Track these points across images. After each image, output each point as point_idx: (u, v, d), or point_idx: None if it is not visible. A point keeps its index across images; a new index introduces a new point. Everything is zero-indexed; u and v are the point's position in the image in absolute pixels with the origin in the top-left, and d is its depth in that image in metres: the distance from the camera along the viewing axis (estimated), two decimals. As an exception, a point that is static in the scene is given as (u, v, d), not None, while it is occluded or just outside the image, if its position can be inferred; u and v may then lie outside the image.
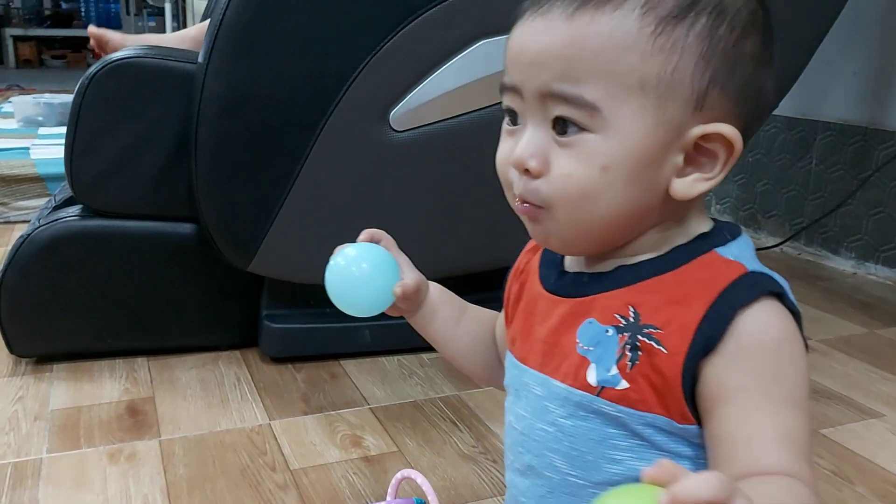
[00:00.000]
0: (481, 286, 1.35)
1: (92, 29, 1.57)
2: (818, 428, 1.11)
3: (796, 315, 0.50)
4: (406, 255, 0.71)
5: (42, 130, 2.73)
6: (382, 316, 1.39)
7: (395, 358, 1.31)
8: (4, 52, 5.91)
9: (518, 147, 0.52)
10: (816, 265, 1.91)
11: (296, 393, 1.20)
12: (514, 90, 0.52)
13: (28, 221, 1.51)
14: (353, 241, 0.70)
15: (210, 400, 1.18)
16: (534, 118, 0.51)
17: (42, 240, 1.22)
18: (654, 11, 0.48)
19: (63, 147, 1.22)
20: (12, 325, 1.25)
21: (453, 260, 1.28)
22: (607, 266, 0.54)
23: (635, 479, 0.38)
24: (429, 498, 0.77)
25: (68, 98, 2.85)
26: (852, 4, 1.39)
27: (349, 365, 1.29)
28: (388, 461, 1.02)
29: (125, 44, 1.55)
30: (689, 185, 0.51)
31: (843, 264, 1.89)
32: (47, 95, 3.00)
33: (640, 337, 0.50)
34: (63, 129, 1.25)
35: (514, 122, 0.54)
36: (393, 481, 0.82)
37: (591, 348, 0.52)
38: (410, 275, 0.67)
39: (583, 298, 0.54)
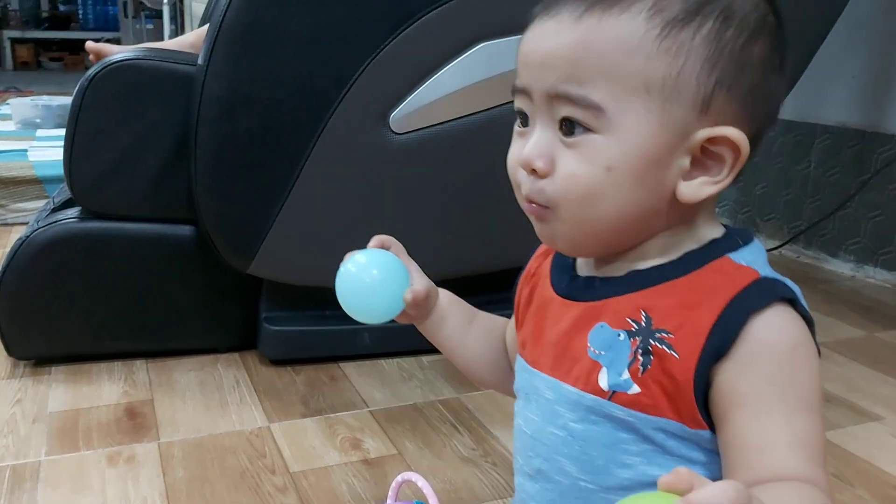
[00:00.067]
0: (483, 288, 1.35)
1: (90, 44, 1.57)
2: (818, 431, 1.11)
3: (808, 321, 0.50)
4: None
5: (40, 132, 2.73)
6: (382, 318, 1.38)
7: (395, 360, 1.31)
8: (2, 55, 5.91)
9: (526, 148, 0.52)
10: (815, 268, 1.91)
11: (295, 395, 1.20)
12: (524, 92, 0.53)
13: (26, 223, 1.51)
14: (353, 242, 0.70)
15: (209, 402, 1.17)
16: (542, 119, 0.52)
17: (40, 242, 1.22)
18: (661, 15, 0.48)
19: (61, 149, 1.21)
20: (11, 328, 1.24)
21: (454, 262, 1.28)
22: (619, 270, 0.54)
23: (646, 484, 0.38)
24: (429, 501, 0.77)
25: (66, 100, 2.85)
26: (851, 8, 1.40)
27: (348, 367, 1.29)
28: (387, 464, 1.02)
29: None
30: (695, 189, 0.51)
31: (841, 267, 1.89)
32: (45, 97, 3.00)
33: (651, 341, 0.50)
34: (61, 132, 1.24)
35: (524, 123, 0.54)
36: (393, 484, 0.81)
37: (602, 352, 0.52)
38: (420, 281, 0.67)
39: (594, 302, 0.54)
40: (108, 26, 6.02)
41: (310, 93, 1.13)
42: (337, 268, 1.28)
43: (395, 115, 1.16)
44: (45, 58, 6.08)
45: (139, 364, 1.29)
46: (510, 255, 1.33)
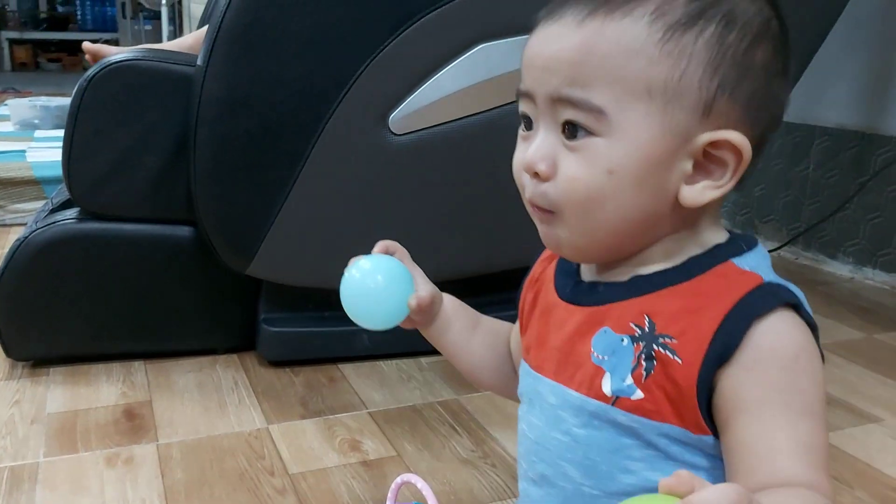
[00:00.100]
0: (483, 289, 1.35)
1: (87, 45, 1.57)
2: (817, 432, 1.11)
3: (812, 326, 0.50)
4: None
5: (38, 133, 2.72)
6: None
7: (394, 362, 1.31)
8: (0, 55, 5.90)
9: (529, 151, 0.52)
10: (814, 270, 1.91)
11: (294, 397, 1.20)
12: (528, 95, 0.53)
13: (24, 224, 1.51)
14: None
15: (208, 404, 1.17)
16: (545, 123, 0.52)
17: (39, 243, 1.21)
18: (664, 19, 0.49)
19: (59, 150, 1.21)
20: (9, 329, 1.24)
21: (453, 263, 1.28)
22: (623, 276, 0.54)
23: (649, 489, 0.38)
24: (429, 502, 0.77)
25: (64, 101, 2.85)
26: (849, 9, 1.40)
27: (347, 369, 1.29)
28: (386, 465, 1.01)
29: None
30: (698, 193, 0.50)
31: (840, 269, 1.89)
32: (43, 98, 3.00)
33: (655, 346, 0.50)
34: (59, 132, 1.24)
35: (528, 127, 0.54)
36: (393, 486, 0.81)
37: (605, 357, 0.52)
38: (425, 287, 0.67)
39: (598, 307, 0.54)
40: (107, 27, 6.02)
41: (309, 93, 1.13)
42: (336, 269, 1.28)
43: (395, 116, 1.16)
44: (44, 59, 6.08)
45: (137, 365, 1.28)
46: (510, 255, 1.33)
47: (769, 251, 1.90)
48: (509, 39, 1.17)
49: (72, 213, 1.25)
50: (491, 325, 0.72)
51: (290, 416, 1.14)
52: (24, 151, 2.37)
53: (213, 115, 1.13)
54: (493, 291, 1.35)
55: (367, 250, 1.25)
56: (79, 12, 6.22)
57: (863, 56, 1.86)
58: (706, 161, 0.50)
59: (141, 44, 4.58)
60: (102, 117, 1.19)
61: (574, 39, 0.50)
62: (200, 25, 2.00)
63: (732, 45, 0.49)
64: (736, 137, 0.49)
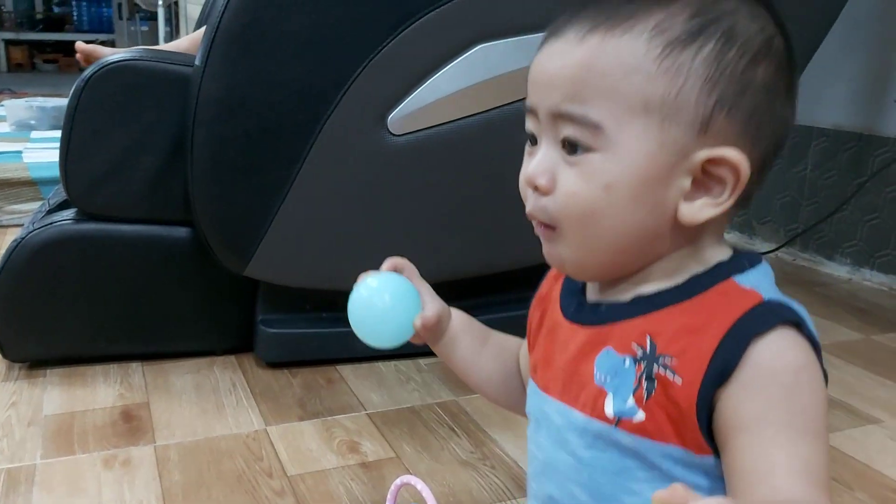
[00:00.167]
0: (482, 290, 1.35)
1: (80, 45, 1.56)
2: (817, 434, 1.11)
3: (815, 344, 0.49)
4: (404, 258, 0.71)
5: (35, 134, 2.72)
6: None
7: (392, 363, 1.31)
8: (-4, 56, 5.89)
9: (530, 165, 0.53)
10: (811, 271, 1.91)
11: (292, 398, 1.20)
12: (532, 112, 0.53)
13: (21, 225, 1.50)
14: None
15: (205, 405, 1.17)
16: (547, 138, 0.52)
17: (36, 244, 1.21)
18: (663, 35, 0.49)
19: (56, 151, 1.21)
20: (5, 330, 1.23)
21: (452, 264, 1.27)
22: (625, 295, 0.54)
23: None
24: (428, 504, 0.76)
25: (61, 102, 2.85)
26: (847, 11, 1.40)
27: (345, 370, 1.29)
28: (385, 467, 1.01)
29: None
30: (696, 210, 0.50)
31: (838, 270, 1.89)
32: (40, 99, 2.99)
33: (656, 367, 0.50)
34: (56, 133, 1.24)
35: (533, 143, 0.55)
36: (392, 487, 0.81)
37: (608, 379, 0.52)
38: (431, 305, 0.66)
39: (601, 327, 0.54)
40: (103, 28, 6.02)
41: (307, 94, 1.13)
42: (335, 269, 1.28)
43: (394, 116, 1.16)
44: (40, 59, 6.07)
45: (135, 367, 1.28)
46: (509, 256, 1.33)
47: (767, 252, 1.93)
48: (508, 40, 1.17)
49: (69, 213, 1.25)
50: (500, 341, 0.72)
51: (289, 418, 1.13)
52: (20, 152, 2.36)
53: (210, 116, 1.12)
54: (493, 292, 1.35)
55: (364, 251, 1.25)
56: (75, 13, 6.21)
57: (860, 57, 1.86)
58: (705, 178, 0.50)
59: (137, 45, 4.58)
60: (100, 118, 1.18)
61: (575, 56, 0.50)
62: (197, 26, 2.00)
63: (731, 63, 0.49)
64: (733, 154, 0.49)
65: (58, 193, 1.40)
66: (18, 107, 2.89)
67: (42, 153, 2.31)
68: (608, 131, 0.49)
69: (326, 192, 1.18)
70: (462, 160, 1.21)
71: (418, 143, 1.18)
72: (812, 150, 1.93)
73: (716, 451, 0.50)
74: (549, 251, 0.55)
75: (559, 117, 0.51)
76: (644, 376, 0.50)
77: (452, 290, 1.32)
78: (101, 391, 1.20)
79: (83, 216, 1.24)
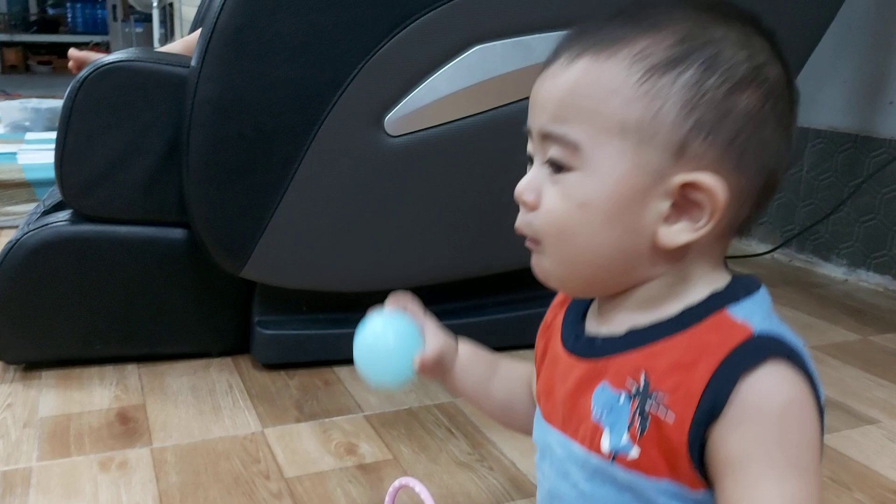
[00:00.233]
0: (480, 291, 1.34)
1: (73, 52, 1.56)
2: (815, 434, 1.11)
3: (810, 376, 0.49)
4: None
5: (29, 136, 2.71)
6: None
7: (389, 365, 1.30)
8: (-10, 58, 5.88)
9: (520, 183, 0.55)
10: (808, 272, 1.92)
11: (289, 400, 1.19)
12: (529, 133, 0.56)
13: (16, 227, 1.50)
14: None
15: (202, 407, 1.16)
16: (538, 157, 0.55)
17: (31, 245, 1.20)
18: (645, 61, 0.50)
19: (51, 152, 1.20)
20: (0, 332, 1.23)
21: (450, 265, 1.27)
22: (620, 328, 0.55)
23: None
24: (427, 506, 0.76)
25: (55, 103, 2.84)
26: (842, 13, 1.40)
27: (343, 371, 1.28)
28: (383, 469, 1.01)
29: None
30: (674, 234, 0.51)
31: (834, 271, 1.89)
32: (34, 101, 2.98)
33: (648, 404, 0.50)
34: (50, 135, 1.23)
35: (531, 162, 0.56)
36: (390, 489, 0.81)
37: (604, 414, 0.53)
38: (434, 342, 0.68)
39: (597, 361, 0.55)
40: (97, 30, 6.00)
41: (304, 96, 1.12)
42: (331, 271, 1.28)
43: (391, 117, 1.15)
44: (34, 61, 6.05)
45: (131, 368, 1.27)
46: (507, 257, 1.33)
47: (763, 254, 1.93)
48: (505, 41, 1.17)
49: (64, 215, 1.24)
50: (509, 369, 0.73)
51: (286, 420, 1.13)
52: (14, 154, 2.35)
53: (206, 117, 1.12)
54: (490, 294, 1.35)
55: (361, 253, 1.25)
56: (69, 15, 6.19)
57: (856, 59, 1.86)
58: (685, 203, 0.51)
59: (132, 47, 4.56)
60: (95, 119, 1.18)
61: (563, 78, 0.52)
62: (193, 28, 1.99)
63: (711, 89, 0.49)
64: (708, 180, 0.49)
65: (53, 195, 1.40)
66: (13, 108, 2.88)
67: (37, 155, 2.30)
68: (585, 151, 0.51)
69: (323, 194, 1.17)
70: (459, 161, 1.21)
71: (415, 144, 1.17)
72: (808, 152, 1.94)
73: (710, 486, 0.50)
74: (535, 264, 0.56)
75: (546, 137, 0.53)
76: (638, 413, 0.51)
77: (449, 292, 1.32)
78: (96, 393, 1.19)
79: (78, 217, 1.23)
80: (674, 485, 0.50)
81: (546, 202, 0.53)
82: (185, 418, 1.13)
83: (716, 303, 0.52)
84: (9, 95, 4.11)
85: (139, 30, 5.53)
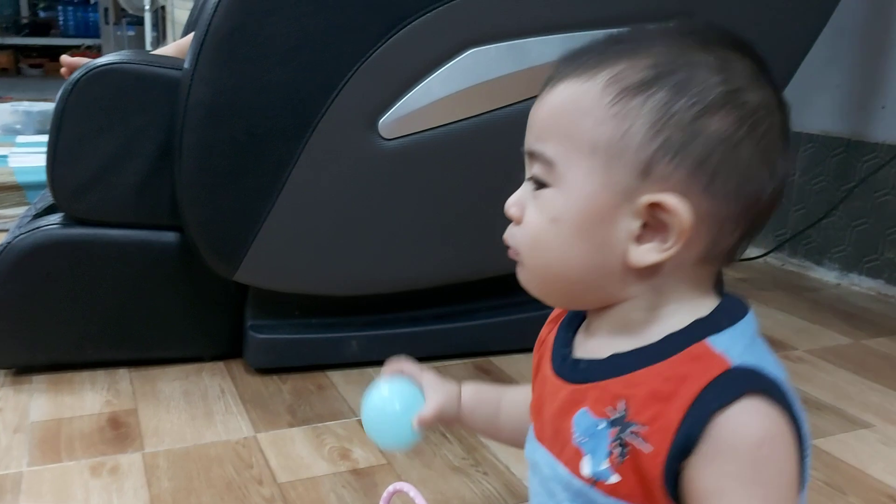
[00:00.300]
0: (475, 294, 1.34)
1: (65, 58, 1.55)
2: (809, 438, 1.11)
3: (790, 409, 0.49)
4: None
5: (20, 139, 2.69)
6: (369, 325, 1.38)
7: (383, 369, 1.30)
8: (-19, 61, 5.85)
9: (510, 198, 0.57)
10: (800, 276, 1.92)
11: (282, 405, 1.18)
12: (524, 153, 0.58)
13: (6, 230, 1.49)
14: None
15: (194, 412, 1.15)
16: (527, 175, 0.57)
17: (22, 248, 1.19)
18: (619, 83, 0.51)
19: (42, 155, 1.20)
20: (-9, 336, 1.22)
21: (444, 268, 1.27)
22: (603, 352, 0.55)
23: None
24: (422, 511, 0.76)
25: (46, 106, 2.82)
26: (834, 18, 1.40)
27: (336, 376, 1.28)
28: (377, 474, 1.00)
29: None
30: (642, 253, 0.52)
31: (826, 275, 1.90)
32: (25, 103, 2.97)
33: (627, 433, 0.50)
34: (42, 138, 1.23)
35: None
36: (385, 494, 0.80)
37: (585, 440, 0.53)
38: (433, 399, 0.71)
39: (579, 386, 0.55)
40: (89, 33, 5.99)
41: (297, 98, 1.12)
42: (325, 274, 1.28)
43: (385, 120, 1.15)
44: (25, 64, 6.03)
45: (122, 373, 1.27)
46: (502, 260, 1.32)
47: (755, 258, 1.93)
48: (499, 44, 1.17)
49: (55, 218, 1.23)
50: (513, 399, 0.75)
51: (278, 425, 1.12)
52: (6, 157, 2.34)
53: (199, 120, 1.11)
54: (484, 298, 1.35)
55: (355, 256, 1.25)
56: (61, 18, 6.17)
57: (848, 63, 1.87)
58: (656, 223, 0.51)
59: (123, 50, 4.54)
60: (87, 121, 1.17)
61: (547, 99, 0.55)
62: (185, 31, 1.99)
63: (679, 111, 0.50)
64: (671, 200, 0.50)
65: (44, 198, 1.39)
66: (4, 111, 2.87)
67: (28, 157, 2.29)
68: (559, 168, 0.53)
69: (316, 197, 1.17)
70: (453, 164, 1.21)
71: (409, 147, 1.17)
72: (800, 156, 1.94)
73: None
74: (518, 274, 0.58)
75: (530, 156, 0.55)
76: (618, 441, 0.51)
77: (443, 296, 1.32)
78: (88, 398, 1.19)
79: (70, 221, 1.22)
80: None
81: (526, 217, 0.55)
82: (177, 423, 1.12)
83: (697, 331, 0.52)
84: (0, 98, 4.10)
85: (131, 33, 5.51)
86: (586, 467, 0.53)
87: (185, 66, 1.12)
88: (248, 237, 1.16)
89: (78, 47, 5.64)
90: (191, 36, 1.23)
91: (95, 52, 5.25)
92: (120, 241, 1.23)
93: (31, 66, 6.01)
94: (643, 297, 0.53)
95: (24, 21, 6.21)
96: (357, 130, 1.15)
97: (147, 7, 3.98)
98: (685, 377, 0.49)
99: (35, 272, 1.21)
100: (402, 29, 1.12)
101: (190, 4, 2.15)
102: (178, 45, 1.61)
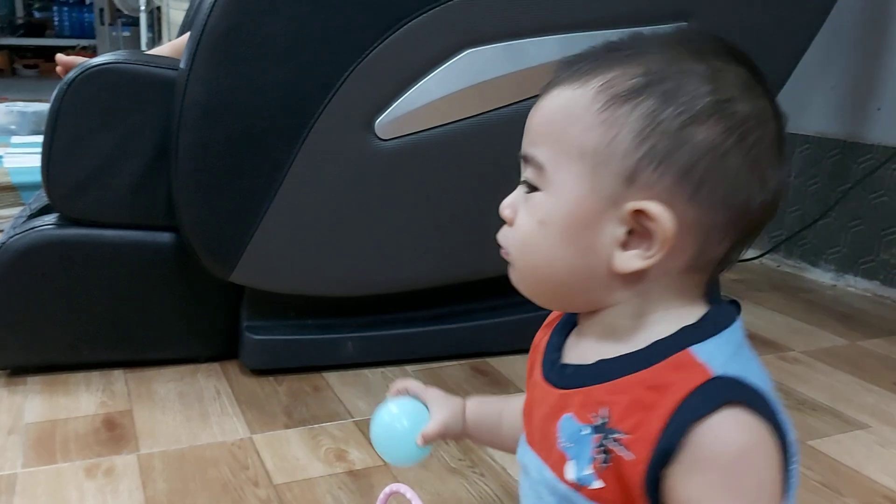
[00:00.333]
0: (471, 295, 1.34)
1: (60, 57, 1.54)
2: (806, 439, 1.11)
3: (773, 419, 0.49)
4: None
5: (15, 139, 2.68)
6: (365, 327, 1.37)
7: (379, 370, 1.30)
8: (-25, 61, 5.83)
9: (504, 199, 0.58)
10: (796, 277, 1.92)
11: (277, 406, 1.18)
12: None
13: (1, 231, 1.48)
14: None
15: (189, 413, 1.15)
16: (521, 178, 0.57)
17: (17, 249, 1.19)
18: (609, 90, 0.51)
19: (37, 156, 1.19)
20: (-15, 337, 1.21)
21: (440, 269, 1.27)
22: (590, 357, 0.55)
23: None
24: (418, 512, 0.76)
25: (41, 107, 2.81)
26: (830, 20, 1.40)
27: (332, 377, 1.27)
28: (373, 475, 1.00)
29: None
30: (626, 260, 0.52)
31: (822, 276, 1.90)
32: (20, 104, 2.96)
33: (609, 440, 0.51)
34: (37, 138, 1.22)
35: None
36: (381, 496, 0.80)
37: (570, 445, 0.54)
38: (437, 416, 0.73)
39: (565, 391, 0.56)
40: (84, 34, 5.97)
41: (293, 99, 1.12)
42: (321, 275, 1.27)
43: (381, 120, 1.15)
44: (20, 64, 6.01)
45: (117, 374, 1.26)
46: (498, 261, 1.32)
47: (751, 259, 1.93)
48: (496, 45, 1.17)
49: (50, 218, 1.23)
50: (514, 409, 0.76)
51: (274, 426, 1.12)
52: (0, 157, 2.33)
53: (195, 120, 1.11)
54: (481, 298, 1.34)
55: (351, 257, 1.24)
56: (56, 18, 6.15)
57: (844, 65, 1.87)
58: (642, 230, 0.51)
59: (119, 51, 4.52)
60: (83, 121, 1.17)
61: (542, 104, 0.56)
62: (181, 32, 1.98)
63: (666, 120, 0.50)
64: (654, 208, 0.50)
65: (39, 198, 1.38)
66: (-2, 112, 2.86)
67: (23, 158, 2.27)
68: (549, 172, 0.53)
69: (313, 197, 1.17)
70: (450, 165, 1.20)
71: (406, 147, 1.17)
72: (796, 158, 1.94)
73: None
74: (509, 275, 0.59)
75: (524, 159, 0.56)
76: (601, 447, 0.51)
77: (443, 295, 1.32)
78: (83, 399, 1.18)
79: (65, 221, 1.22)
80: None
81: (517, 219, 0.56)
82: (172, 424, 1.12)
83: (682, 340, 0.52)
84: (-6, 99, 4.08)
85: (126, 34, 5.50)
86: (570, 472, 0.53)
87: (181, 65, 1.11)
88: (244, 238, 1.16)
89: (73, 48, 5.62)
90: (186, 36, 1.23)
91: (90, 52, 5.23)
92: (115, 242, 1.22)
93: (26, 66, 5.99)
94: (629, 304, 0.54)
95: (20, 21, 6.19)
96: (354, 131, 1.15)
97: (142, 8, 3.98)
98: (667, 386, 0.49)
99: (30, 273, 1.20)
100: (398, 29, 1.12)
101: (185, 5, 2.15)
102: (173, 45, 1.60)
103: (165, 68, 1.18)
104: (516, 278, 0.58)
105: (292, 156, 1.13)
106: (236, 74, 1.10)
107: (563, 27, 1.18)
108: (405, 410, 0.74)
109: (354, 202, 1.19)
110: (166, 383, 1.24)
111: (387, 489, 0.80)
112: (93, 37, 5.82)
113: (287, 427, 1.12)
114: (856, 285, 1.83)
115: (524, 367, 0.66)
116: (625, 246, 0.52)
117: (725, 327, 0.53)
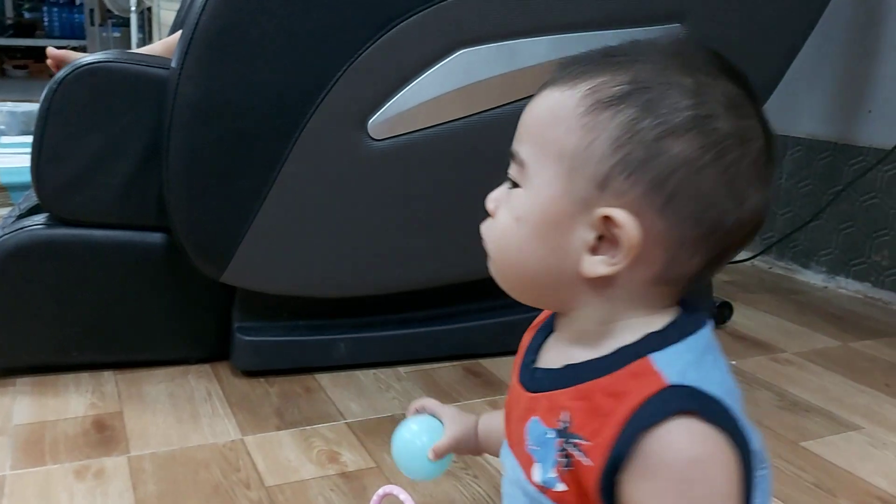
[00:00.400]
0: (467, 296, 1.33)
1: (51, 51, 1.53)
2: (798, 441, 1.11)
3: (732, 426, 0.49)
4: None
5: (4, 139, 2.67)
6: (357, 328, 1.37)
7: (371, 371, 1.29)
8: (-36, 62, 5.80)
9: (491, 193, 0.59)
10: (787, 279, 1.93)
11: (269, 408, 1.17)
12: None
13: (-10, 231, 1.47)
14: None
15: (180, 415, 1.14)
16: (508, 173, 0.58)
17: (6, 249, 1.18)
18: (594, 96, 0.52)
19: (26, 156, 1.18)
20: (-26, 338, 1.20)
21: (434, 270, 1.26)
22: (559, 361, 0.56)
23: None
24: (412, 514, 0.76)
25: (31, 107, 2.80)
26: (822, 22, 1.41)
27: (324, 379, 1.27)
28: (366, 477, 0.99)
29: None
30: (593, 264, 0.52)
31: (813, 278, 1.90)
32: (9, 104, 2.94)
33: (570, 444, 0.51)
34: (26, 139, 1.21)
35: None
36: (374, 497, 0.80)
37: (536, 448, 0.55)
38: (450, 430, 0.76)
39: (534, 394, 0.57)
40: (75, 34, 5.94)
41: (286, 98, 1.11)
42: (314, 276, 1.27)
43: (375, 120, 1.14)
44: (10, 65, 5.98)
45: (107, 375, 1.25)
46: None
47: (742, 261, 1.94)
48: (489, 45, 1.16)
49: (40, 218, 1.22)
50: None
51: (266, 428, 1.11)
52: (-11, 157, 2.32)
53: (186, 120, 1.10)
54: (474, 300, 1.34)
55: (344, 257, 1.24)
56: (46, 19, 6.12)
57: (835, 67, 1.88)
58: (611, 237, 0.52)
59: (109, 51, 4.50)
60: (73, 120, 1.16)
61: (533, 104, 0.56)
62: (172, 31, 1.97)
63: (644, 130, 0.50)
64: (620, 216, 0.50)
65: (28, 198, 1.37)
66: (-13, 112, 2.84)
67: (12, 158, 2.27)
68: (529, 170, 0.54)
69: (305, 198, 1.16)
70: (443, 165, 1.20)
71: (399, 147, 1.17)
72: (787, 159, 1.95)
73: None
74: (489, 267, 0.60)
75: (510, 156, 0.57)
76: (563, 451, 0.52)
77: (432, 297, 1.31)
78: (72, 400, 1.17)
79: (55, 221, 1.21)
80: None
81: (497, 213, 0.57)
82: (162, 426, 1.11)
83: (644, 347, 0.52)
84: (-17, 99, 4.06)
85: (117, 34, 5.47)
86: (536, 474, 0.55)
87: (173, 65, 1.11)
88: (236, 238, 1.15)
89: (62, 48, 5.60)
90: (178, 34, 1.22)
91: (81, 53, 5.21)
92: (105, 242, 1.21)
93: (16, 66, 5.95)
94: (596, 309, 0.54)
95: (9, 22, 6.16)
96: (346, 131, 1.14)
97: (133, 8, 3.96)
98: (624, 394, 0.49)
99: (19, 273, 1.19)
100: (391, 29, 1.11)
101: (176, 6, 2.14)
102: (165, 44, 1.59)
103: (157, 67, 1.17)
104: (493, 270, 0.59)
105: (284, 156, 1.13)
106: (228, 74, 1.09)
107: (556, 28, 1.18)
108: (423, 428, 0.78)
109: (347, 202, 1.18)
110: (157, 384, 1.23)
111: (380, 491, 0.79)
112: (83, 37, 5.79)
113: (279, 429, 1.11)
114: (847, 287, 1.84)
115: (516, 369, 0.66)
116: (594, 251, 0.52)
117: (690, 334, 0.53)
